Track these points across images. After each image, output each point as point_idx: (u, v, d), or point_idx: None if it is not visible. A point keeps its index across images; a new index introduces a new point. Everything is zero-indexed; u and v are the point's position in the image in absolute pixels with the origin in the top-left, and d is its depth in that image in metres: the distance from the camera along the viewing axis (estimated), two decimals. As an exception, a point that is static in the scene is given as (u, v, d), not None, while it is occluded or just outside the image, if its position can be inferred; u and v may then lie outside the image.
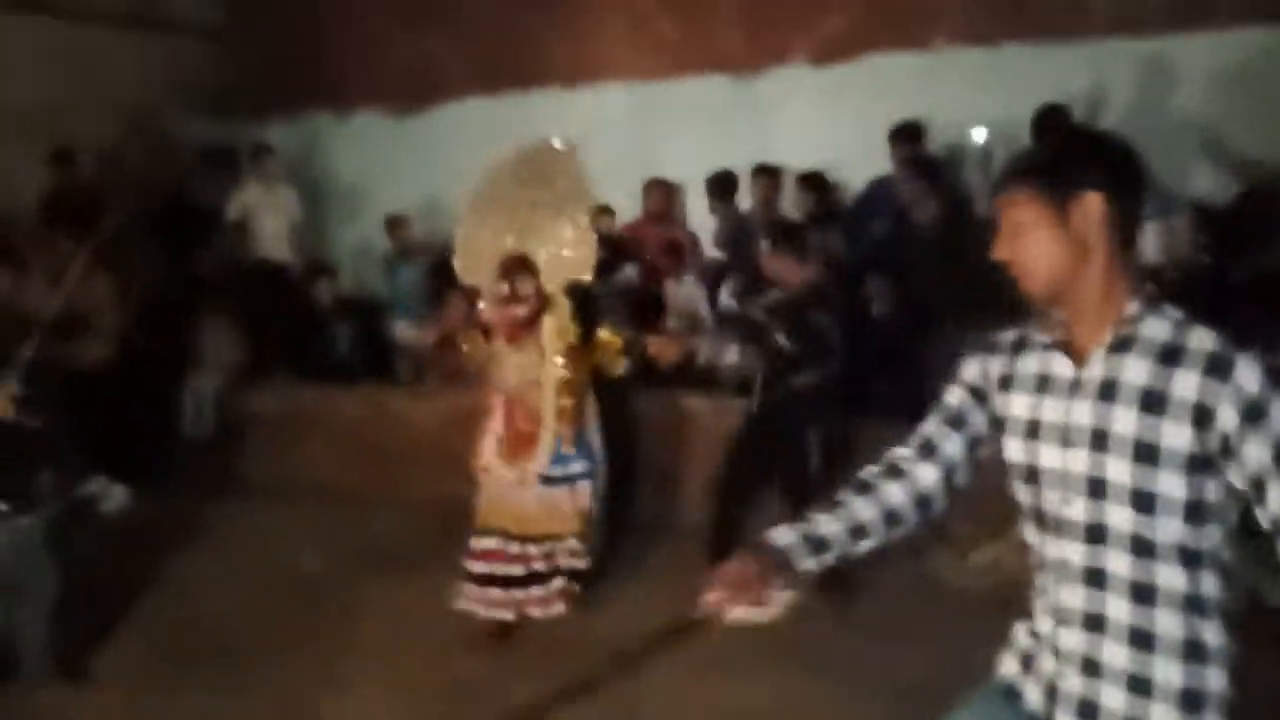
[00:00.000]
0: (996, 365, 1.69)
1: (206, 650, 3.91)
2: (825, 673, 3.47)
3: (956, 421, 1.74)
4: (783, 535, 1.72)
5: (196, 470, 5.93)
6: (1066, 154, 1.58)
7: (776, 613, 1.70)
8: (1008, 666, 1.75)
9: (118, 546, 5.00)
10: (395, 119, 7.38)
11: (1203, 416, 1.43)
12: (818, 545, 1.71)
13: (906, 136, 5.39)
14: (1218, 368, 1.43)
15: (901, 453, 1.78)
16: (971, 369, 1.74)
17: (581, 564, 4.04)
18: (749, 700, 3.39)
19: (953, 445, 1.74)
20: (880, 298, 4.87)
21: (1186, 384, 1.45)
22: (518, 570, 3.98)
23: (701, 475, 4.63)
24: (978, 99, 5.61)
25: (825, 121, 6.05)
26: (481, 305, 4.14)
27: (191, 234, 7.44)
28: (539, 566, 3.98)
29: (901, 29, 5.95)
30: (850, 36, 6.09)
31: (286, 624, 4.13)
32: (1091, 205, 1.51)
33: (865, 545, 1.74)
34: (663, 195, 6.10)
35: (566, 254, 4.10)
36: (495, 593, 3.96)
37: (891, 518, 1.74)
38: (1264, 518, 1.46)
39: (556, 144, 4.25)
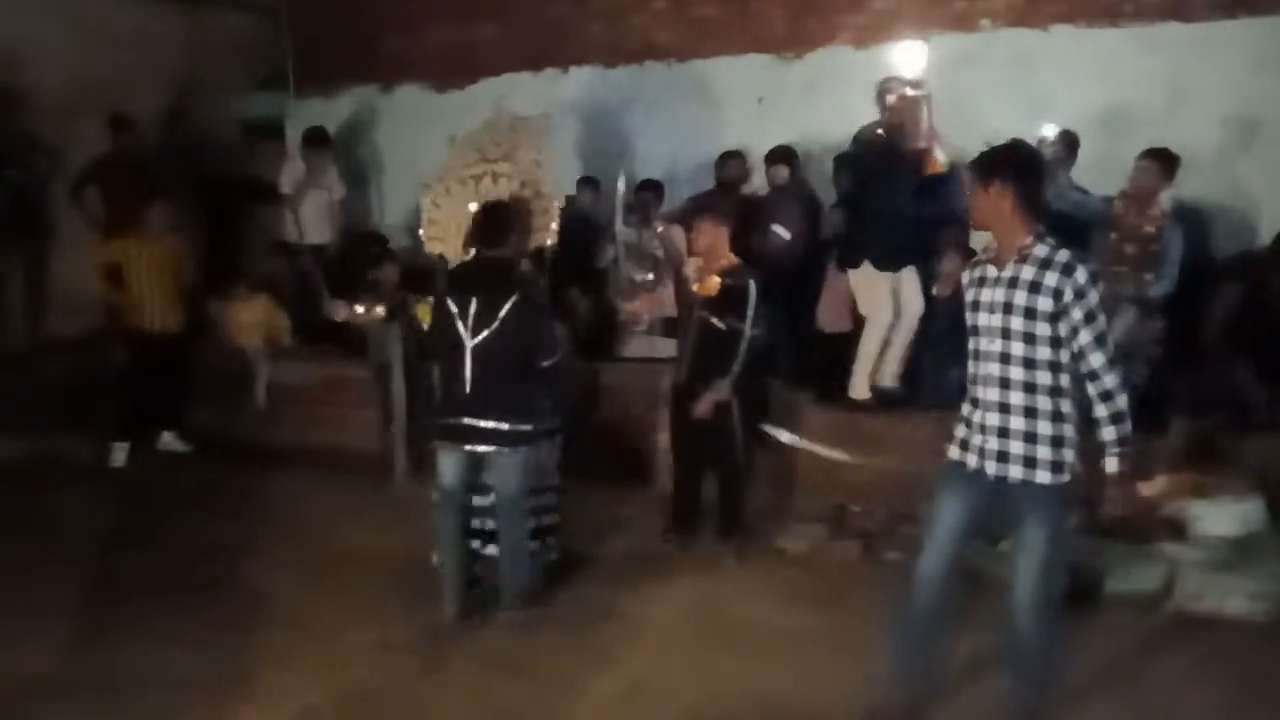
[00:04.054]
0: (966, 277, 3.00)
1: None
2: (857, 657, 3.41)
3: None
4: None
5: (244, 439, 6.18)
6: (991, 157, 2.87)
7: None
8: (953, 451, 2.97)
9: (168, 511, 5.21)
10: (438, 92, 7.43)
11: (1058, 294, 2.73)
12: None
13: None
14: (1067, 270, 2.73)
15: None
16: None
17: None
18: (775, 683, 3.42)
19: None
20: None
21: (1051, 278, 2.74)
22: None
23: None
24: (1024, 80, 5.55)
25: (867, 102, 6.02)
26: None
27: (234, 206, 7.59)
28: None
29: (947, 11, 5.91)
30: (895, 18, 6.07)
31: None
32: (998, 186, 2.79)
33: None
34: (739, 166, 6.12)
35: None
36: None
37: None
38: (1074, 346, 2.74)
39: (523, 116, 4.43)
